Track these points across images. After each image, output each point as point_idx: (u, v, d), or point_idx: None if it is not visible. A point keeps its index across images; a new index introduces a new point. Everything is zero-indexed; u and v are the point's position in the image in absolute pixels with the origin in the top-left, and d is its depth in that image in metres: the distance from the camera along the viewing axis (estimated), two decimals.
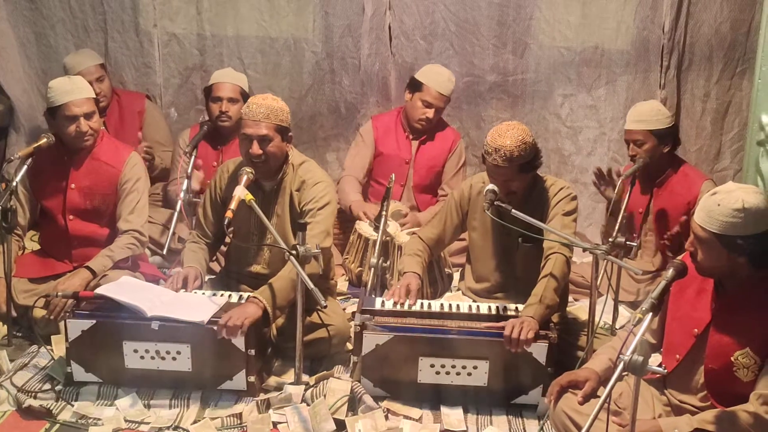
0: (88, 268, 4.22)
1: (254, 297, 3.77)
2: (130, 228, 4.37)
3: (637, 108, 4.56)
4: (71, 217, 4.37)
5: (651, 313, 2.86)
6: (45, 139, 4.22)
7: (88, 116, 4.25)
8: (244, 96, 5.07)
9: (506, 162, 3.82)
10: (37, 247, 4.69)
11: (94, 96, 4.35)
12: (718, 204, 2.90)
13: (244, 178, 3.88)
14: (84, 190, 4.35)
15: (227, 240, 4.42)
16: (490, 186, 3.88)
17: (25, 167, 4.16)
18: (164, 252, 4.74)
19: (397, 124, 5.43)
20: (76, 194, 4.35)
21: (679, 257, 3.09)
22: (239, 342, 3.70)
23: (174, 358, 3.75)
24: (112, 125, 5.53)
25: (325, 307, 3.62)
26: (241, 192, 3.80)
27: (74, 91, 4.25)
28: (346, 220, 5.22)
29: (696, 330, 3.10)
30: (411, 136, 5.39)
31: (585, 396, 3.18)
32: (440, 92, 5.25)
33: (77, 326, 3.75)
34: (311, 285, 3.48)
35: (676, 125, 4.57)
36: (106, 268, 4.26)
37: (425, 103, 5.24)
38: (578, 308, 4.58)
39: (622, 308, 4.44)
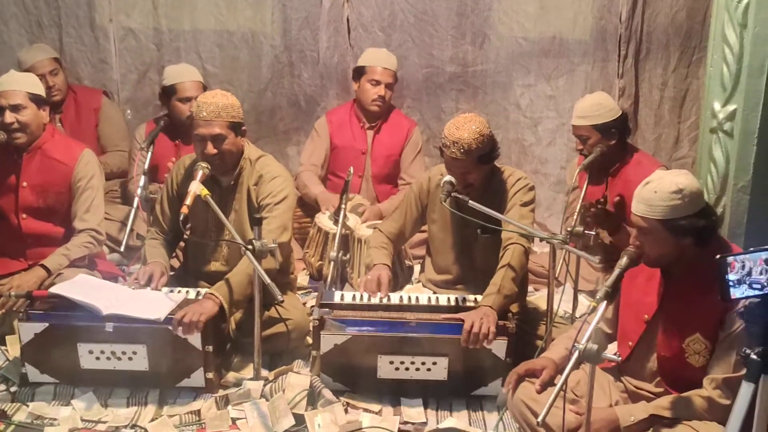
0: (43, 266, 4.16)
1: (210, 293, 3.74)
2: (86, 227, 4.31)
3: (580, 103, 4.50)
4: (24, 215, 4.30)
5: (605, 302, 2.88)
6: None
7: (14, 108, 4.16)
8: (206, 90, 4.98)
9: (464, 155, 3.81)
10: None
11: (27, 91, 4.21)
12: (655, 191, 2.94)
13: (200, 173, 3.84)
14: (36, 188, 4.28)
15: (185, 236, 4.38)
16: (447, 177, 3.86)
17: None
18: (122, 249, 4.66)
19: (351, 116, 5.41)
20: (29, 192, 4.28)
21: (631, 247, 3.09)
22: (196, 339, 3.67)
23: (130, 358, 3.72)
24: (68, 121, 5.47)
25: (282, 301, 3.59)
26: (196, 187, 3.76)
27: (5, 83, 4.18)
28: (312, 211, 5.19)
29: (646, 316, 3.13)
30: (366, 125, 5.38)
31: (542, 384, 3.20)
32: (384, 67, 5.28)
33: (30, 329, 3.70)
34: (268, 280, 3.46)
35: (623, 116, 4.46)
36: (62, 267, 4.20)
37: (374, 82, 5.27)
38: (538, 298, 4.60)
39: (582, 297, 4.46)
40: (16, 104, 4.15)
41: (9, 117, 4.13)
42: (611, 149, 4.42)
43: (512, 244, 3.88)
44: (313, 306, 4.00)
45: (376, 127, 5.38)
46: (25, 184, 4.27)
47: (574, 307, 4.33)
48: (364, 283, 4.00)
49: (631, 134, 4.72)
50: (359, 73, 5.34)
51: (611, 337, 3.37)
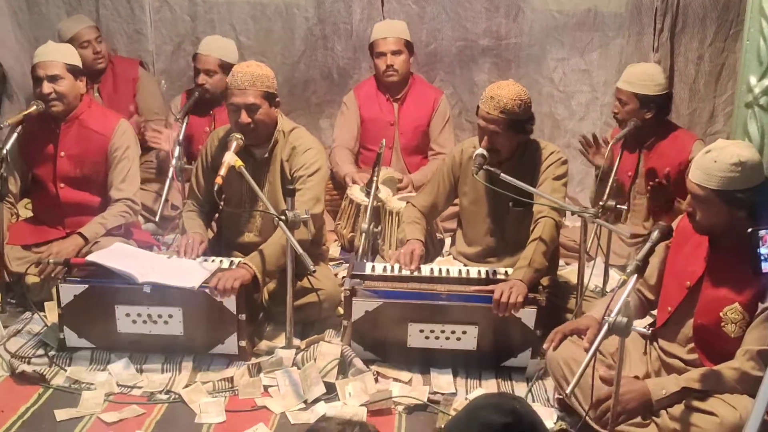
0: (80, 234, 4.23)
1: (244, 263, 3.79)
2: (122, 196, 4.37)
3: (631, 68, 4.51)
4: (62, 185, 4.37)
5: (636, 275, 2.88)
6: (35, 107, 4.20)
7: (52, 79, 4.22)
8: (224, 67, 4.95)
9: (498, 111, 3.80)
10: (30, 214, 4.69)
11: (65, 62, 4.26)
12: (715, 161, 2.92)
13: (234, 144, 3.87)
14: (74, 157, 4.34)
15: (220, 207, 4.42)
16: (480, 150, 3.86)
17: (15, 135, 4.16)
18: (157, 219, 4.74)
19: (376, 89, 5.43)
20: (66, 162, 4.34)
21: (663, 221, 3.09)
22: (230, 305, 3.72)
23: (166, 322, 3.77)
24: (106, 92, 5.53)
25: (314, 272, 3.62)
26: (230, 158, 3.79)
27: (43, 53, 4.25)
28: (342, 186, 5.22)
29: (688, 282, 3.13)
30: (391, 98, 5.38)
31: (590, 341, 3.19)
32: (383, 37, 5.27)
33: (70, 291, 3.76)
34: (300, 250, 3.49)
35: (667, 95, 4.47)
36: (99, 235, 4.26)
37: (379, 55, 5.27)
38: (569, 272, 4.59)
39: (612, 272, 4.44)
40: (53, 74, 4.20)
41: (47, 87, 4.19)
42: (645, 123, 4.40)
43: (544, 217, 3.87)
44: (344, 277, 4.03)
45: (401, 98, 5.38)
46: (62, 153, 4.34)
47: (605, 282, 4.32)
48: (397, 257, 4.02)
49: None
50: (371, 51, 5.36)
51: (653, 303, 3.38)
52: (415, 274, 3.92)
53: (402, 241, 4.16)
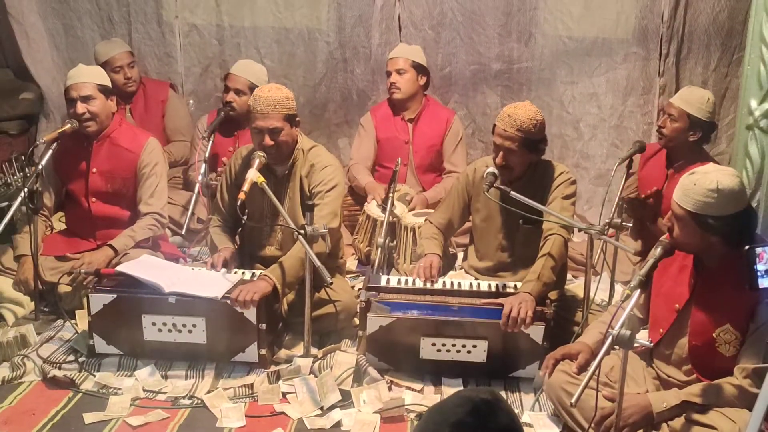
0: (110, 246, 4.28)
1: (265, 275, 3.81)
2: (150, 210, 4.42)
3: (690, 89, 4.47)
4: (94, 199, 4.42)
5: (639, 290, 2.87)
6: (69, 125, 4.27)
7: (84, 99, 4.27)
8: (253, 90, 5.02)
9: (515, 129, 3.82)
10: (64, 227, 4.73)
11: (96, 83, 4.32)
12: (695, 183, 2.90)
13: (257, 162, 3.91)
14: (105, 174, 4.39)
15: (243, 221, 4.45)
16: (490, 169, 3.88)
17: (50, 151, 4.22)
18: (183, 232, 4.77)
19: (392, 110, 5.45)
20: (98, 178, 4.39)
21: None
22: (251, 316, 3.73)
23: (190, 331, 3.79)
24: (137, 112, 5.60)
25: (332, 284, 3.64)
26: (253, 175, 3.83)
27: (75, 76, 4.30)
28: (362, 200, 5.24)
29: (677, 305, 3.11)
30: (406, 118, 5.40)
31: (579, 367, 3.20)
32: (390, 58, 5.34)
33: (99, 300, 3.79)
34: (318, 263, 3.51)
35: (713, 125, 4.42)
36: (128, 247, 4.31)
37: (389, 74, 5.31)
38: (576, 286, 4.57)
39: (618, 286, 4.43)
40: (86, 95, 4.26)
41: (80, 108, 4.25)
42: (684, 145, 4.36)
43: (553, 234, 3.87)
44: (360, 289, 4.04)
45: (415, 119, 5.40)
46: (94, 169, 4.38)
47: (611, 296, 4.31)
48: (417, 270, 4.02)
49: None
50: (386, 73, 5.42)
51: (643, 321, 3.36)
52: (428, 286, 3.92)
53: (420, 256, 4.17)
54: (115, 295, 3.79)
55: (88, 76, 4.30)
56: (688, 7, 5.46)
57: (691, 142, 4.36)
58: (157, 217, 4.43)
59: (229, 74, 5.14)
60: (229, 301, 3.71)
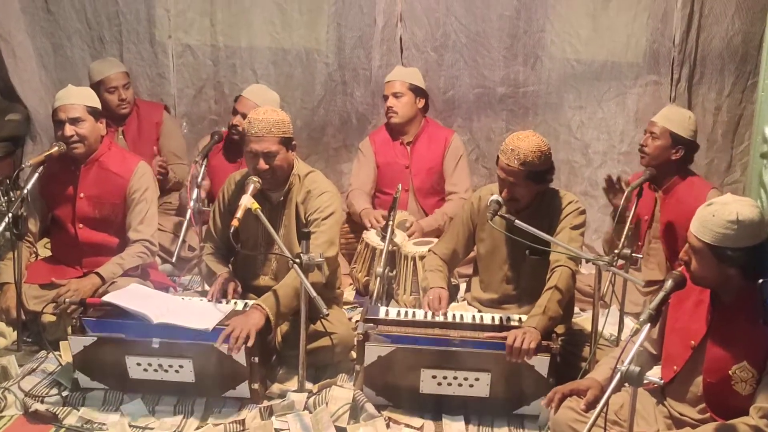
0: (97, 274, 4.27)
1: (257, 304, 3.79)
2: (140, 238, 4.41)
3: (672, 107, 4.61)
4: (81, 225, 4.42)
5: (649, 324, 2.86)
6: (56, 148, 4.26)
7: (73, 121, 4.28)
8: None
9: (518, 163, 3.82)
10: (49, 254, 4.73)
11: (85, 104, 4.32)
12: (713, 215, 2.90)
13: (251, 187, 3.90)
14: (93, 199, 4.39)
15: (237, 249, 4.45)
16: (495, 197, 3.88)
17: (36, 175, 4.22)
18: (173, 260, 4.76)
19: (390, 134, 5.48)
20: (85, 203, 4.39)
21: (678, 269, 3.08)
22: (241, 356, 3.69)
23: (177, 371, 3.76)
24: (130, 134, 5.59)
25: (328, 315, 3.63)
26: (247, 201, 3.82)
27: (64, 97, 4.31)
28: (360, 228, 5.24)
29: (693, 342, 3.09)
30: (404, 142, 5.42)
31: (587, 404, 3.17)
32: (387, 81, 5.38)
33: (79, 342, 3.76)
34: (314, 293, 3.50)
35: (695, 145, 4.55)
36: (116, 276, 4.30)
37: (386, 97, 5.35)
38: (584, 319, 4.57)
39: (627, 320, 4.41)
40: (75, 117, 4.27)
41: (68, 130, 4.26)
42: (668, 164, 4.44)
43: (560, 266, 3.86)
44: (358, 321, 4.02)
45: (413, 141, 5.42)
46: (82, 194, 4.39)
47: (620, 330, 4.29)
48: (426, 302, 4.01)
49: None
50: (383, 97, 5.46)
51: (656, 358, 3.34)
52: (429, 318, 3.91)
53: (426, 289, 4.17)
54: (95, 338, 3.76)
55: (77, 98, 4.31)
56: (701, 31, 5.50)
57: (673, 160, 4.49)
58: (147, 244, 4.42)
59: (240, 97, 5.15)
60: (215, 344, 3.66)
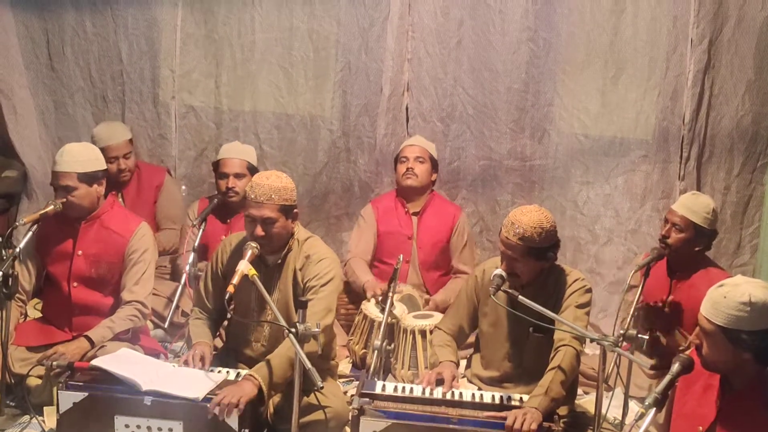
0: (86, 337, 4.24)
1: (250, 375, 3.75)
2: (133, 299, 4.39)
3: (693, 197, 4.51)
4: (75, 284, 4.41)
5: (654, 408, 2.82)
6: (52, 206, 4.27)
7: (64, 189, 4.29)
8: (252, 170, 5.14)
9: (517, 239, 3.82)
10: (39, 315, 4.70)
11: (78, 172, 4.31)
12: (725, 296, 2.88)
13: (249, 253, 3.88)
14: (90, 257, 4.40)
15: (228, 315, 4.42)
16: (498, 271, 3.87)
17: (30, 233, 4.22)
18: (166, 325, 4.74)
19: (396, 203, 5.51)
20: (83, 261, 4.39)
21: (686, 352, 3.05)
22: (233, 421, 3.65)
23: None
24: (129, 196, 5.64)
25: (322, 388, 3.58)
26: (244, 267, 3.80)
27: (58, 162, 4.33)
28: (359, 299, 5.21)
29: (701, 428, 3.05)
30: (410, 211, 5.45)
31: None
32: (409, 144, 5.47)
33: (69, 398, 3.71)
34: (309, 365, 3.45)
35: (715, 233, 4.53)
36: (105, 339, 4.27)
37: (403, 160, 5.41)
38: (588, 401, 4.51)
39: (632, 403, 4.36)
40: (65, 185, 4.29)
41: (59, 196, 4.31)
42: (689, 255, 4.43)
43: (564, 345, 3.83)
44: (353, 395, 3.97)
45: (419, 212, 5.45)
46: (80, 252, 4.39)
47: (624, 414, 4.23)
48: (428, 378, 3.96)
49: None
50: (395, 161, 5.51)
51: None
52: (426, 395, 3.85)
53: (434, 365, 4.14)
54: (86, 393, 3.71)
55: (70, 164, 4.29)
56: (711, 110, 5.56)
57: (696, 252, 4.46)
58: (139, 306, 4.40)
59: (221, 160, 5.20)
60: (209, 406, 3.63)
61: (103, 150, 5.30)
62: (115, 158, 5.48)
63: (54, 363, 3.91)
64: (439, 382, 3.95)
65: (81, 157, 4.38)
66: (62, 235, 4.42)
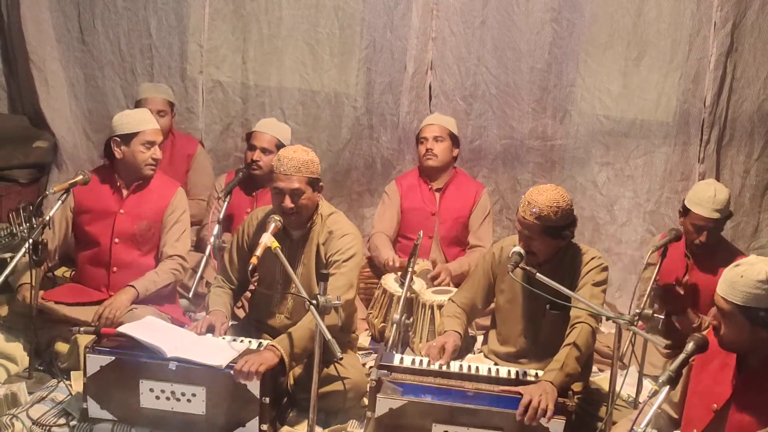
0: (132, 287, 4.34)
1: (272, 345, 3.79)
2: (174, 253, 4.53)
3: (714, 196, 4.44)
4: (117, 240, 4.50)
5: (668, 386, 2.82)
6: (81, 176, 4.32)
7: (151, 144, 4.50)
8: (279, 148, 5.13)
9: (533, 218, 3.81)
10: (67, 281, 4.77)
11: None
12: (741, 275, 2.87)
13: (272, 226, 3.92)
14: (132, 215, 4.50)
15: (251, 287, 4.46)
16: (516, 248, 3.86)
17: (60, 203, 4.26)
18: (190, 295, 4.78)
19: (419, 180, 5.50)
20: (125, 219, 4.50)
21: (703, 332, 3.05)
22: (254, 388, 3.70)
23: (189, 401, 3.76)
24: (162, 163, 5.59)
25: (342, 359, 3.61)
26: (267, 239, 3.83)
27: (147, 120, 4.52)
28: (380, 273, 5.23)
29: (715, 405, 3.04)
30: (433, 188, 5.45)
31: None
32: (428, 124, 5.43)
33: (96, 361, 3.78)
34: (329, 336, 3.47)
35: (731, 214, 4.56)
36: (149, 292, 4.39)
37: (424, 140, 5.38)
38: (602, 379, 4.51)
39: (646, 381, 4.36)
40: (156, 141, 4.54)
41: (158, 152, 4.58)
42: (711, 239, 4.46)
43: (580, 322, 3.82)
44: (372, 367, 4.00)
45: (443, 189, 5.44)
46: (122, 210, 4.50)
47: (638, 391, 4.24)
48: (427, 348, 3.99)
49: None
50: (417, 139, 5.49)
51: (677, 423, 3.29)
52: (443, 369, 3.87)
53: (440, 334, 4.15)
54: (113, 357, 3.78)
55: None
56: (732, 93, 5.51)
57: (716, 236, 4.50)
58: (181, 261, 4.54)
59: (253, 132, 5.21)
60: (231, 372, 3.69)
61: (140, 102, 5.39)
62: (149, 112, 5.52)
63: (82, 329, 3.96)
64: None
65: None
66: (108, 195, 4.53)
